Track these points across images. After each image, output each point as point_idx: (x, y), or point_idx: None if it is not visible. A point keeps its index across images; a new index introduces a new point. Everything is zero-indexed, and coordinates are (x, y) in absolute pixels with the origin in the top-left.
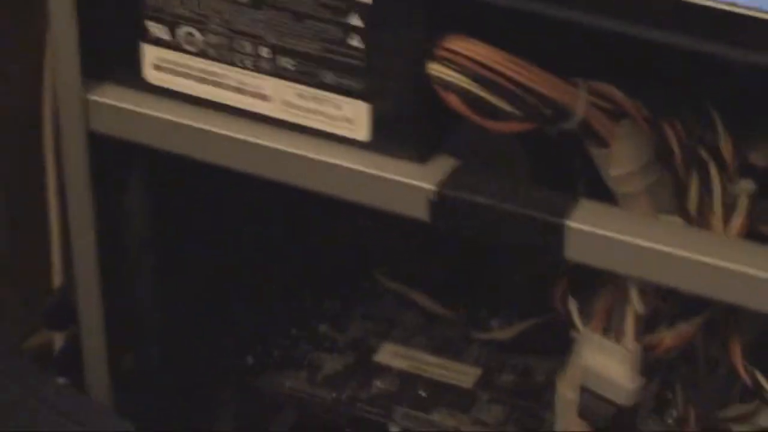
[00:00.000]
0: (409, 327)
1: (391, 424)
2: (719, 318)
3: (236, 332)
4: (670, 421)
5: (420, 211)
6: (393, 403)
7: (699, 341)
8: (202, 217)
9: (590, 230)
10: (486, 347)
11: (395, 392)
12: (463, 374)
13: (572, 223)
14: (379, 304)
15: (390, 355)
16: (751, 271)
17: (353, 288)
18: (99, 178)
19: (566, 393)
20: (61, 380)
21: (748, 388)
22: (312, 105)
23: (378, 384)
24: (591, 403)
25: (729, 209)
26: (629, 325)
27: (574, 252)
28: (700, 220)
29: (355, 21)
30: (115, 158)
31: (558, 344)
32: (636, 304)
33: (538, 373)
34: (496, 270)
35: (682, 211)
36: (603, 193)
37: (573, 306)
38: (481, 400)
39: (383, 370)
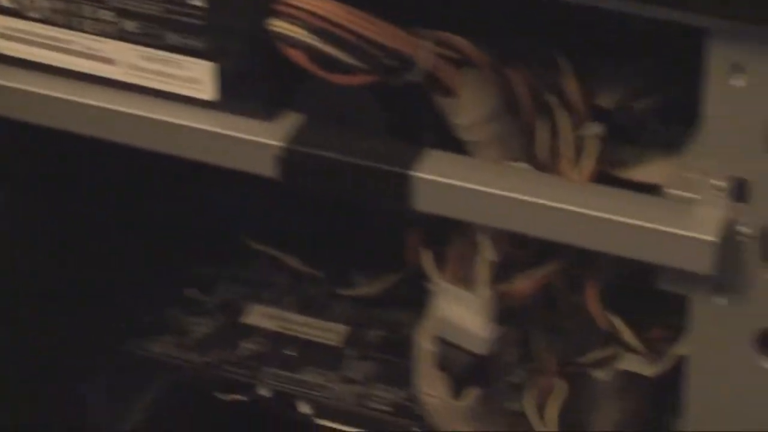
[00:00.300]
0: (277, 288)
1: (259, 385)
2: (575, 263)
3: (105, 299)
4: (530, 367)
5: (269, 169)
6: (262, 364)
7: (558, 287)
8: (62, 186)
9: (438, 180)
10: (353, 304)
11: (264, 353)
12: (331, 332)
13: (420, 174)
14: (247, 267)
15: (258, 316)
16: (603, 214)
17: (220, 252)
18: None
19: (424, 344)
20: None
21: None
22: (157, 67)
23: (246, 345)
24: (448, 353)
25: (579, 154)
26: (482, 274)
27: (423, 202)
28: (550, 165)
29: None
30: None
31: (425, 297)
32: (487, 252)
33: (406, 328)
34: (360, 227)
35: (532, 158)
36: (455, 144)
37: (427, 257)
38: (350, 357)
39: (252, 331)
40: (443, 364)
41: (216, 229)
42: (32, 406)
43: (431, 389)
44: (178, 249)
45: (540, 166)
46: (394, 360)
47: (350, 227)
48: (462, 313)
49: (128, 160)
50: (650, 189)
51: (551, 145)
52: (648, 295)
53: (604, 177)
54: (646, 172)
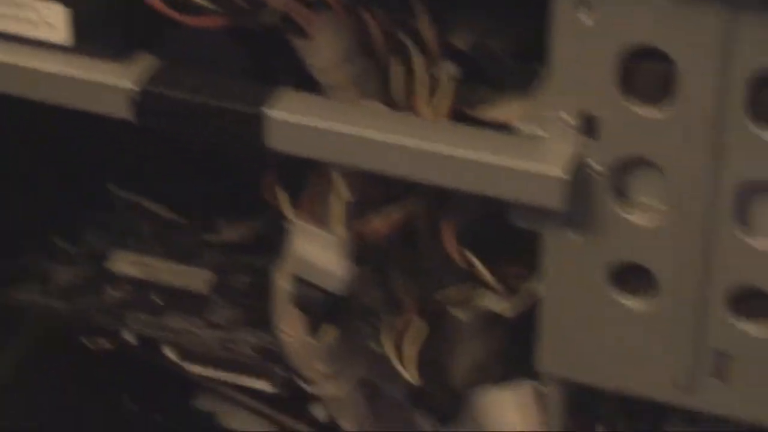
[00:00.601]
0: (144, 236)
1: (124, 330)
2: (431, 202)
3: None
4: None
5: (123, 111)
6: (127, 311)
7: (416, 226)
8: None
9: (292, 120)
10: (219, 251)
11: (129, 300)
12: (196, 279)
13: (274, 114)
14: (113, 215)
15: (124, 263)
16: (456, 152)
17: (87, 200)
18: None
19: (282, 284)
20: None
21: (464, 270)
22: (12, 11)
23: (112, 293)
24: (305, 292)
25: (433, 94)
26: (337, 213)
27: (278, 142)
28: (405, 105)
29: None
30: None
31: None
32: (342, 192)
33: (271, 273)
34: (225, 173)
35: (387, 99)
36: (313, 87)
37: (282, 197)
38: (215, 302)
39: (117, 278)
40: (300, 303)
41: (81, 176)
42: None
43: (289, 328)
44: (43, 197)
45: (395, 107)
46: (258, 305)
47: (215, 173)
48: (319, 252)
49: None
50: (504, 128)
51: (406, 86)
52: (505, 234)
53: (459, 116)
54: (499, 110)
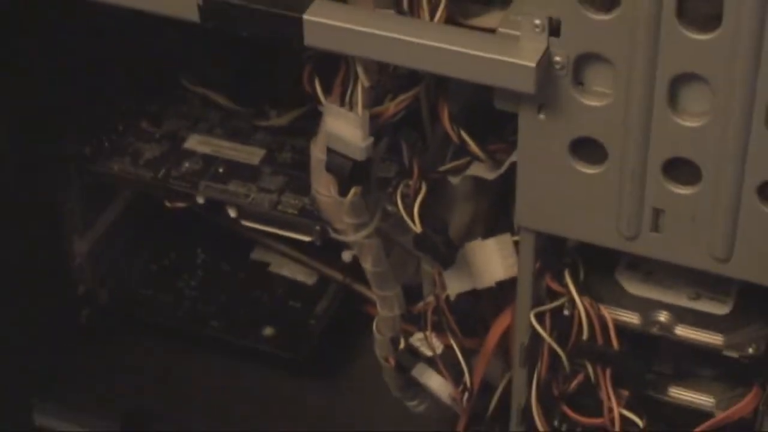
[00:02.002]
0: (210, 121)
1: (197, 194)
2: (432, 89)
3: (75, 128)
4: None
5: (193, 14)
6: (198, 178)
7: (422, 108)
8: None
9: (323, 21)
10: (269, 133)
11: (199, 170)
12: (251, 154)
13: (310, 17)
14: (187, 105)
15: (196, 143)
16: (450, 47)
17: (166, 92)
18: None
19: (317, 154)
20: None
21: (458, 145)
22: None
23: (186, 165)
24: (334, 159)
25: (433, 6)
26: (359, 96)
27: (312, 40)
28: (411, 13)
29: None
30: None
31: None
32: (363, 79)
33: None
34: (274, 69)
35: (398, 6)
36: None
37: (317, 84)
38: (266, 173)
39: (190, 154)
40: (331, 168)
41: (162, 73)
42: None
43: (323, 189)
44: (133, 90)
45: (403, 13)
46: (300, 175)
47: (265, 70)
48: (345, 128)
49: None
50: (489, 31)
51: (412, 1)
52: (489, 116)
53: (453, 24)
54: (485, 19)
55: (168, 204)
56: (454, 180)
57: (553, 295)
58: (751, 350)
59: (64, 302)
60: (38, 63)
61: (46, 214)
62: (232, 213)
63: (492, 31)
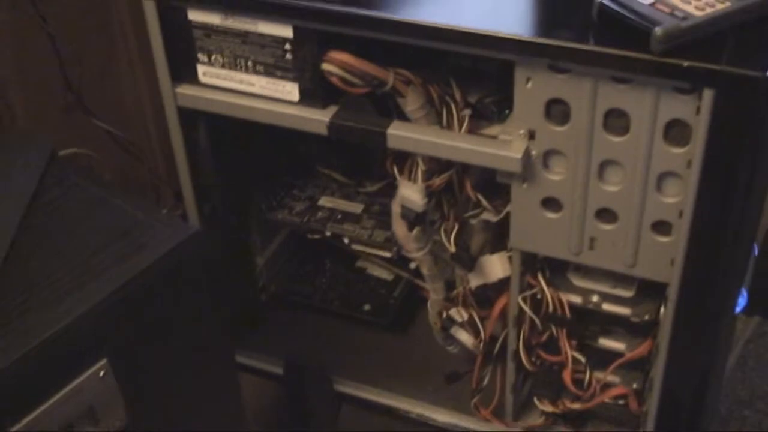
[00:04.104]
0: (332, 188)
1: (325, 230)
2: (460, 173)
3: (258, 193)
4: (442, 218)
5: (323, 130)
6: (326, 221)
7: (454, 181)
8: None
9: (398, 133)
10: (366, 195)
11: (326, 217)
12: (356, 207)
13: (390, 131)
14: (320, 179)
15: (324, 201)
16: (471, 147)
17: (306, 174)
18: None
19: (395, 208)
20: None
21: (475, 202)
22: (272, 86)
23: (319, 214)
24: (405, 211)
25: (460, 123)
26: (419, 175)
27: (391, 143)
28: (448, 127)
29: None
30: None
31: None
32: (421, 165)
33: (390, 205)
34: (370, 159)
35: (440, 124)
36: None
37: (395, 168)
38: (364, 218)
39: (322, 208)
40: (403, 216)
41: (305, 162)
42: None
43: (398, 228)
44: (289, 173)
45: (443, 127)
46: (385, 220)
47: (364, 159)
48: (411, 193)
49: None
50: (493, 137)
51: (447, 120)
52: (494, 185)
53: (472, 133)
54: (490, 130)
55: (309, 236)
56: (473, 221)
57: (531, 286)
58: (647, 317)
59: (251, 291)
60: (240, 157)
61: (242, 241)
62: (346, 240)
63: (495, 137)
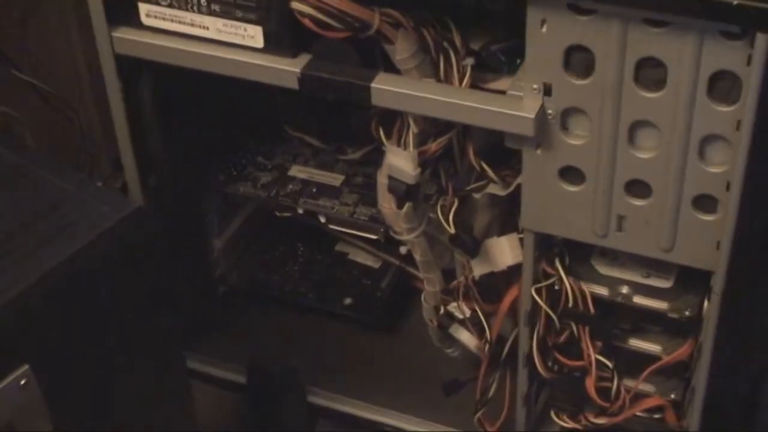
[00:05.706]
0: (306, 156)
1: (297, 206)
2: (461, 134)
3: (214, 162)
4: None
5: (294, 84)
6: (298, 196)
7: (454, 146)
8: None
9: (384, 87)
10: (347, 164)
11: (299, 190)
12: (335, 179)
13: (374, 85)
14: (289, 144)
15: (296, 171)
16: (473, 104)
17: (273, 138)
18: None
19: (381, 179)
20: None
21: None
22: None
23: (290, 187)
24: (393, 183)
25: (461, 75)
26: (410, 139)
27: (377, 101)
28: (446, 80)
29: None
30: None
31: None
32: (413, 127)
33: (375, 176)
34: (350, 120)
35: (436, 76)
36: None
37: (381, 131)
38: (345, 191)
39: (292, 179)
40: (391, 189)
41: (271, 123)
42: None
43: (385, 204)
44: (252, 135)
45: (440, 80)
46: (369, 194)
47: (345, 120)
48: (400, 161)
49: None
50: (500, 92)
51: (446, 71)
52: (502, 151)
53: (475, 88)
54: (497, 84)
55: (278, 214)
56: (477, 196)
57: (547, 276)
58: (687, 313)
59: (207, 282)
60: (193, 117)
61: (195, 220)
62: (322, 219)
63: (503, 92)
